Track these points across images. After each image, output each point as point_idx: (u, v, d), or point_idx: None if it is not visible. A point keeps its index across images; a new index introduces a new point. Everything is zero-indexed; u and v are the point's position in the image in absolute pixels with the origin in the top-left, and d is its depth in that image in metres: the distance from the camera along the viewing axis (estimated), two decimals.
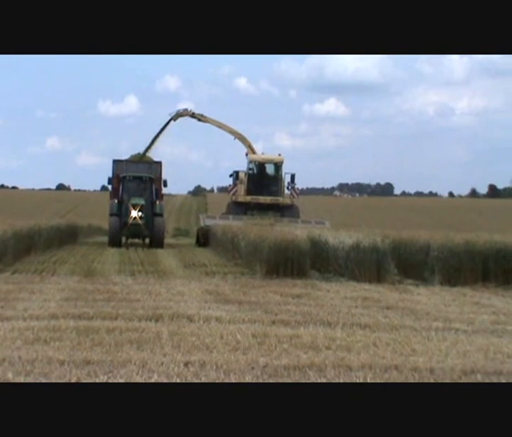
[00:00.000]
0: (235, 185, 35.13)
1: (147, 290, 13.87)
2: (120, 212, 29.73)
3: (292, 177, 34.83)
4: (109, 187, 33.62)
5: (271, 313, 11.42)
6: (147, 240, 30.29)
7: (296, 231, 19.65)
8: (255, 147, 36.89)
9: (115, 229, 29.43)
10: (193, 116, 37.45)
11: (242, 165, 35.82)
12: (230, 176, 35.84)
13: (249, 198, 34.31)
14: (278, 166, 35.02)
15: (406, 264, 17.43)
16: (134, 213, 29.00)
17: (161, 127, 37.48)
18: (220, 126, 37.78)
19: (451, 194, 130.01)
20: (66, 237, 31.58)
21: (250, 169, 35.21)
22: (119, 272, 17.89)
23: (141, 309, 11.43)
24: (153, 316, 10.65)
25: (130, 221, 29.15)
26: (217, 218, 33.13)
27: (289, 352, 8.40)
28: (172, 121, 37.23)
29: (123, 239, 29.99)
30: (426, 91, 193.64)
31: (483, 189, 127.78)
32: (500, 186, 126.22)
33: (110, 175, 32.65)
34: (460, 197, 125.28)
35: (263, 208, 33.80)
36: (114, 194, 31.44)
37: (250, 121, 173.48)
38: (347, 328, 10.21)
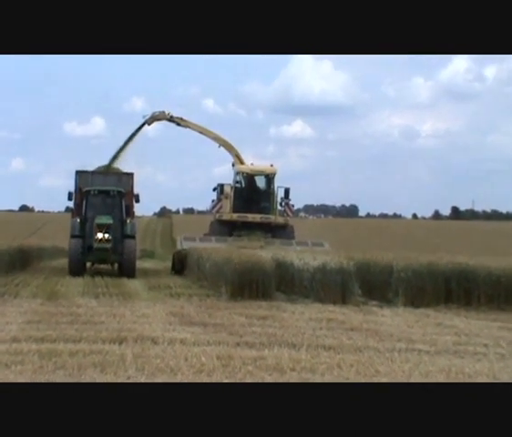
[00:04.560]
0: (219, 200, 30.28)
1: (111, 313, 13.80)
2: (84, 233, 25.09)
3: (287, 191, 30.20)
4: (72, 204, 28.49)
5: (235, 335, 11.44)
6: (116, 265, 25.88)
7: (264, 254, 19.58)
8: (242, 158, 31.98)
9: (76, 254, 24.65)
10: (171, 120, 32.67)
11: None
12: (214, 189, 30.94)
13: (235, 217, 29.62)
14: (270, 178, 30.31)
15: (371, 285, 17.56)
16: (100, 235, 24.41)
17: (133, 131, 32.81)
18: (203, 131, 33.07)
19: (415, 216, 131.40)
20: (30, 259, 31.09)
21: (237, 182, 30.58)
22: (83, 294, 17.73)
23: (105, 331, 11.35)
24: (117, 338, 10.58)
25: (95, 245, 24.53)
26: (197, 239, 28.21)
27: (253, 374, 8.42)
28: (146, 125, 32.68)
29: (88, 265, 25.95)
30: (391, 114, 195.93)
31: (446, 211, 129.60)
32: (462, 208, 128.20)
33: (72, 189, 27.91)
34: (424, 218, 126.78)
35: (252, 228, 29.37)
36: (77, 211, 26.75)
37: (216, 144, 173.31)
38: (312, 349, 10.25)
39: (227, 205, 29.95)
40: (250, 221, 29.49)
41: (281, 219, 29.98)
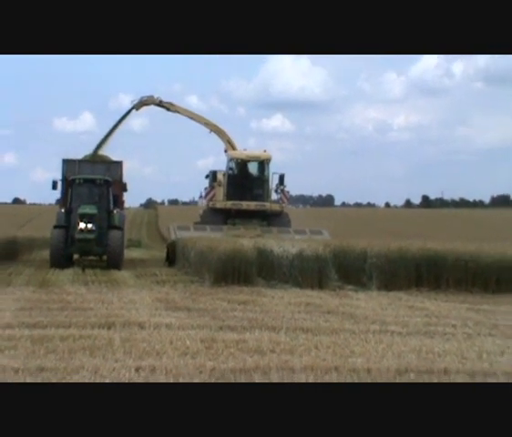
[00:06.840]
0: (212, 188, 28.85)
1: (100, 299, 13.99)
2: (69, 223, 23.88)
3: (281, 177, 28.72)
4: (57, 193, 26.94)
5: (218, 319, 11.69)
6: (105, 257, 24.29)
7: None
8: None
9: (57, 246, 23.26)
10: (160, 104, 31.15)
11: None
12: (207, 177, 29.52)
13: (229, 204, 28.14)
14: (264, 164, 28.74)
15: (346, 271, 17.99)
16: (82, 225, 23.03)
17: (120, 116, 31.45)
18: (193, 116, 31.62)
19: (387, 204, 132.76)
20: (22, 249, 31.19)
21: (230, 169, 28.94)
22: (73, 282, 17.96)
23: (94, 317, 11.55)
24: (105, 324, 10.76)
25: (77, 235, 23.08)
26: (191, 228, 26.60)
27: (235, 356, 8.60)
28: (134, 111, 31.24)
29: (75, 257, 24.32)
30: (366, 108, 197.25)
31: (416, 200, 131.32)
32: (432, 196, 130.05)
33: (58, 178, 26.68)
34: (396, 207, 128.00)
35: (247, 216, 28.01)
36: (64, 202, 25.55)
37: (200, 137, 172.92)
38: (290, 332, 10.47)
39: (220, 192, 28.54)
40: (244, 209, 28.15)
41: (276, 207, 28.64)
